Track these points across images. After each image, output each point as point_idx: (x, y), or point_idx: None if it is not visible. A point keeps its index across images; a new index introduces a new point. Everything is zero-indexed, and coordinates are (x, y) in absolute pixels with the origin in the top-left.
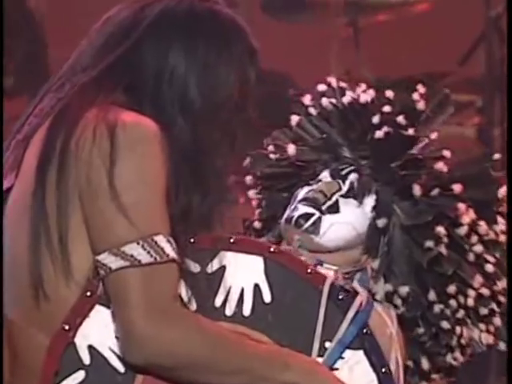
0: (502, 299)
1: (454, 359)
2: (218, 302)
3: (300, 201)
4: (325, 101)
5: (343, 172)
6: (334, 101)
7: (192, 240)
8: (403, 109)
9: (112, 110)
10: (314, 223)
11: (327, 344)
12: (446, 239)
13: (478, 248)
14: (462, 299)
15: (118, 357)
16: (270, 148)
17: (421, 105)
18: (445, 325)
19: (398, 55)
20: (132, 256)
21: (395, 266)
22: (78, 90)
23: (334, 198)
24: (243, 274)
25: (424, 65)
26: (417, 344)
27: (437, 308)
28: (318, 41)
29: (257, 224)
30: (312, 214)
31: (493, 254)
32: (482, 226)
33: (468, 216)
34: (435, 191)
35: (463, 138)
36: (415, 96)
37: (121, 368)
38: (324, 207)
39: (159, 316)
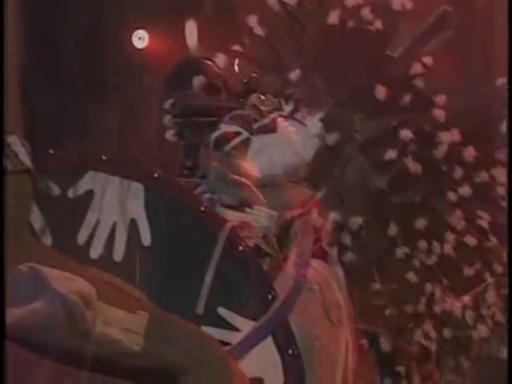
0: (499, 269)
1: (424, 337)
2: (81, 239)
3: (225, 120)
4: (271, 1)
5: (288, 92)
6: None
7: (51, 151)
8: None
9: None
10: (239, 144)
11: (221, 310)
12: (414, 147)
13: (466, 191)
14: (435, 244)
15: None
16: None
17: (397, 4)
18: (410, 277)
19: None
20: None
21: (347, 194)
22: None
23: (270, 117)
24: (116, 203)
25: None
26: (372, 312)
27: (400, 252)
28: None
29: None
30: (238, 133)
31: (488, 209)
32: (470, 150)
33: (450, 134)
34: (406, 98)
35: None
36: None
37: None
38: (255, 126)
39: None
